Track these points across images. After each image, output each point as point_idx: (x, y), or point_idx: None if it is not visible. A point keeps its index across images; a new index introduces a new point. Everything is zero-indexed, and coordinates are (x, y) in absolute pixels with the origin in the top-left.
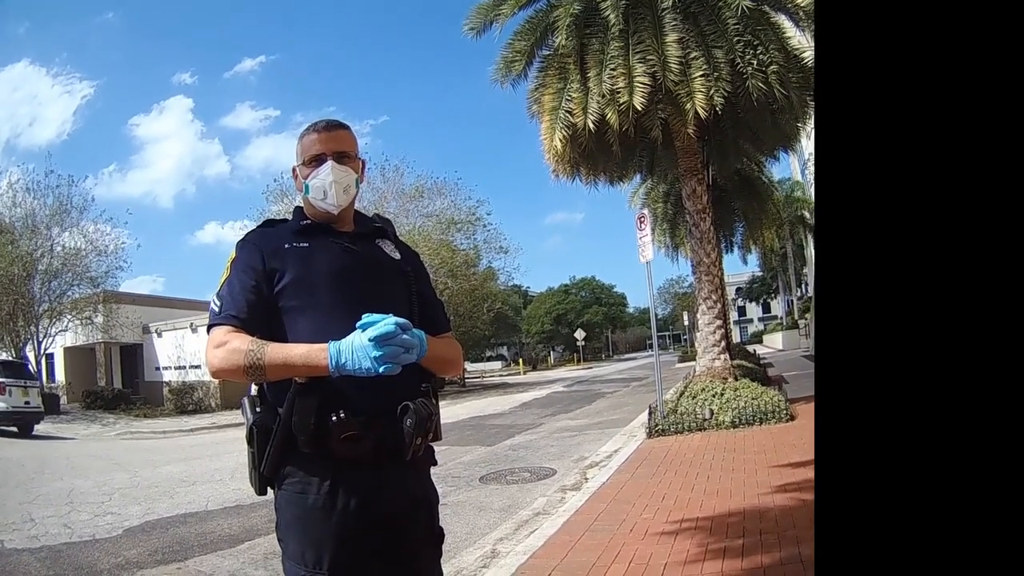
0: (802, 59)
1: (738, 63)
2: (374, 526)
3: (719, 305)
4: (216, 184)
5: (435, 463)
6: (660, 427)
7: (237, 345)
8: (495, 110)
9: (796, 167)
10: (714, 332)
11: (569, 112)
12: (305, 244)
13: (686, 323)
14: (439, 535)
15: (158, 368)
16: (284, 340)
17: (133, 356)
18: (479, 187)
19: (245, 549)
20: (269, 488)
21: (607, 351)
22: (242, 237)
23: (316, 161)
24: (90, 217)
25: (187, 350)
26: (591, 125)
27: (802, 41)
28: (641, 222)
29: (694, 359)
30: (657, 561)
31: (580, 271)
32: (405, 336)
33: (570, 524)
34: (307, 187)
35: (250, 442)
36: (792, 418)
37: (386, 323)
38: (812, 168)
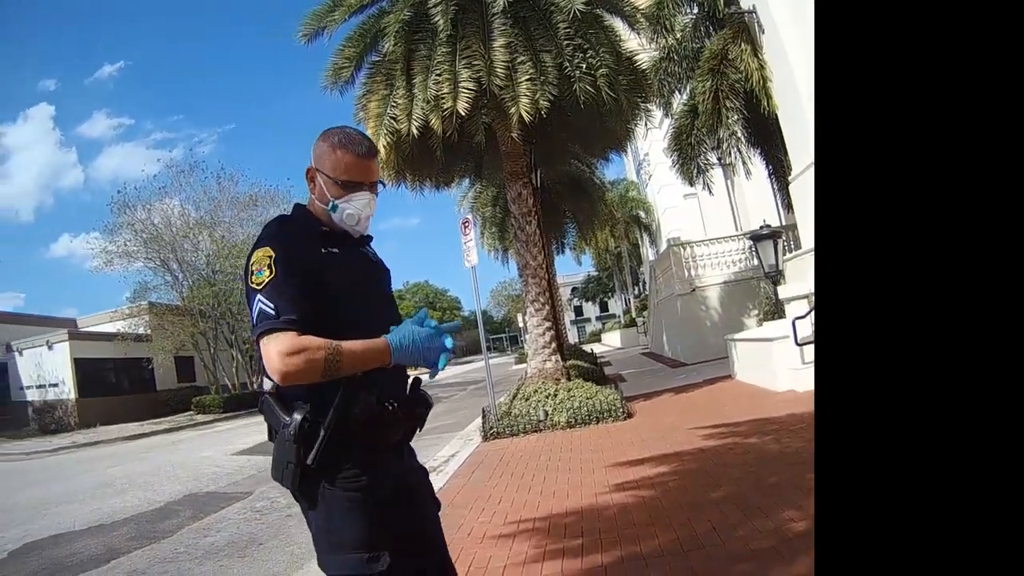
0: (635, 62)
1: (566, 67)
2: (407, 500)
3: (547, 307)
4: (70, 195)
5: None
6: (495, 430)
7: (314, 346)
8: (334, 116)
9: (631, 167)
10: (543, 334)
11: (394, 118)
12: (336, 250)
13: (521, 325)
14: (438, 503)
15: (21, 387)
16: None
17: (2, 375)
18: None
19: (110, 568)
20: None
21: None
22: (270, 234)
23: (352, 187)
24: None
25: (45, 368)
26: (415, 131)
27: (641, 44)
28: (465, 227)
29: None
30: (496, 564)
31: (416, 276)
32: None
33: None
34: (335, 207)
35: (296, 438)
36: (629, 416)
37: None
38: (647, 168)
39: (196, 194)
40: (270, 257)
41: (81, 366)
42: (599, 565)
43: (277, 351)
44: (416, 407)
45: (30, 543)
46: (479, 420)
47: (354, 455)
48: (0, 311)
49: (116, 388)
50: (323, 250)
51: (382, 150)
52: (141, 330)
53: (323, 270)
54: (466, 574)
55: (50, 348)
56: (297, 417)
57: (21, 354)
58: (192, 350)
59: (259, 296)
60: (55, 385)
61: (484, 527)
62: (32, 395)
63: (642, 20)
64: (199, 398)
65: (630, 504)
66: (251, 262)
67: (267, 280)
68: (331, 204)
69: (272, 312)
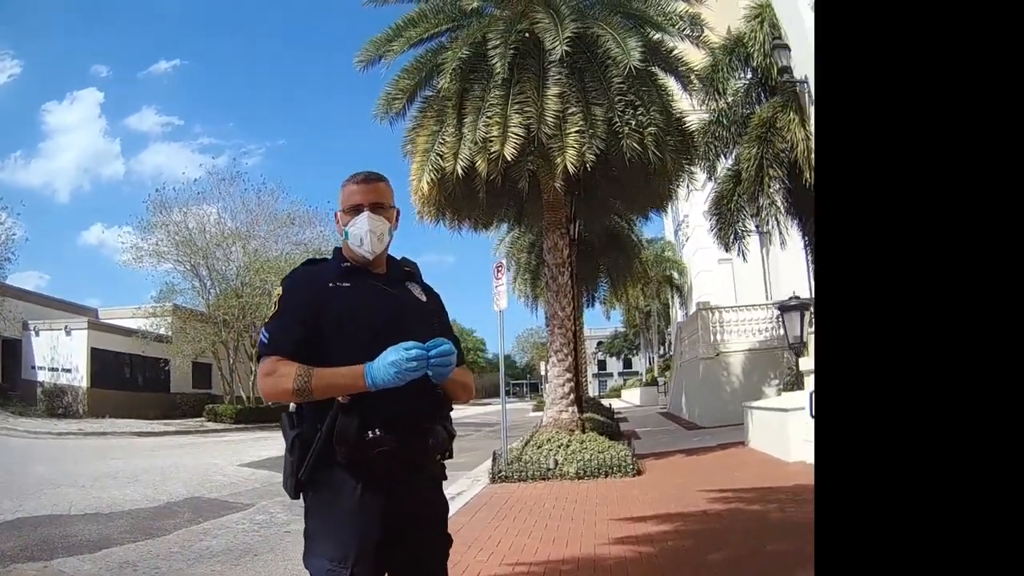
0: (684, 123)
1: (616, 122)
2: (394, 529)
3: (570, 358)
4: (109, 185)
5: (445, 478)
6: (504, 473)
7: (285, 371)
8: (384, 148)
9: (669, 227)
10: (563, 384)
11: (440, 155)
12: (347, 284)
13: (543, 373)
14: (448, 540)
15: (33, 367)
16: (326, 367)
17: (14, 351)
18: None
19: (102, 556)
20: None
21: None
22: (288, 275)
23: (354, 211)
24: None
25: (60, 352)
26: (460, 170)
27: (693, 105)
28: (499, 271)
29: None
30: None
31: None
32: (417, 352)
33: None
34: (346, 233)
35: (291, 452)
36: (639, 473)
37: (407, 345)
38: (685, 229)
39: (234, 204)
40: (279, 295)
41: (97, 356)
42: None
43: (259, 373)
44: (418, 439)
45: (23, 518)
46: (489, 462)
47: (339, 474)
48: (21, 289)
49: (130, 383)
50: (331, 284)
51: (425, 187)
52: (163, 331)
53: (324, 304)
54: None
55: (68, 334)
56: (292, 433)
57: (37, 334)
58: (211, 358)
59: (263, 328)
60: (68, 371)
61: (480, 566)
62: (43, 376)
63: (695, 81)
64: (212, 406)
65: (628, 558)
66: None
67: (272, 315)
68: (344, 233)
69: (265, 341)
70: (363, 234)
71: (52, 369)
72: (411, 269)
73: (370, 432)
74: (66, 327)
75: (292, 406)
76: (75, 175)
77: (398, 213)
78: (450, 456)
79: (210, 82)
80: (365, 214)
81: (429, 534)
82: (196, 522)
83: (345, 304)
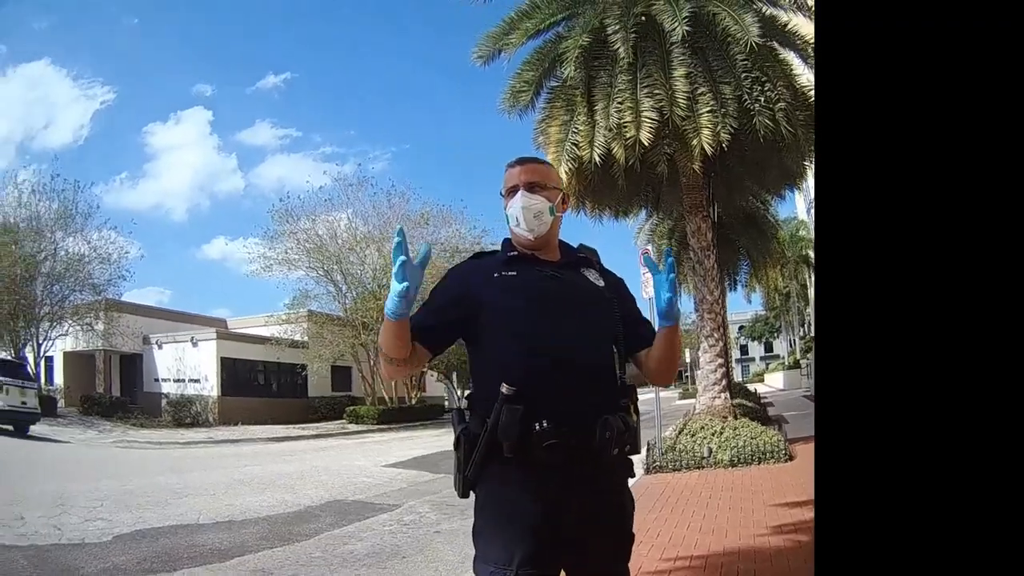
0: (810, 97)
1: (745, 99)
2: (565, 529)
3: (720, 343)
4: (228, 200)
5: (632, 475)
6: (658, 464)
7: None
8: (507, 140)
9: (801, 206)
10: (715, 370)
11: (575, 144)
12: (512, 273)
13: (688, 360)
14: (628, 538)
15: (157, 379)
16: (488, 358)
17: (133, 365)
18: (485, 216)
19: (234, 565)
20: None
21: None
22: (454, 265)
23: (511, 192)
24: (94, 224)
25: (187, 363)
26: (597, 158)
27: (811, 79)
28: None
29: (694, 396)
30: None
31: None
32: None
33: None
34: (507, 217)
35: (457, 448)
36: (791, 458)
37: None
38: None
39: (365, 209)
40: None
41: (227, 365)
42: None
43: None
44: (591, 431)
45: (143, 530)
46: (643, 452)
47: (506, 470)
48: (139, 305)
49: (263, 390)
50: (496, 275)
51: (564, 176)
52: (298, 336)
53: (481, 294)
54: None
55: (195, 344)
56: (459, 428)
57: (160, 347)
58: (351, 360)
59: None
60: (196, 381)
61: (640, 560)
62: (168, 388)
63: (813, 54)
64: (353, 408)
65: (787, 547)
66: None
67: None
68: (506, 218)
69: None
70: (518, 213)
71: (178, 380)
72: (587, 255)
73: (537, 424)
74: (192, 338)
75: (463, 402)
76: (190, 193)
77: (565, 197)
78: (634, 451)
79: (324, 93)
80: (520, 193)
81: (606, 534)
82: (339, 525)
83: (508, 293)
